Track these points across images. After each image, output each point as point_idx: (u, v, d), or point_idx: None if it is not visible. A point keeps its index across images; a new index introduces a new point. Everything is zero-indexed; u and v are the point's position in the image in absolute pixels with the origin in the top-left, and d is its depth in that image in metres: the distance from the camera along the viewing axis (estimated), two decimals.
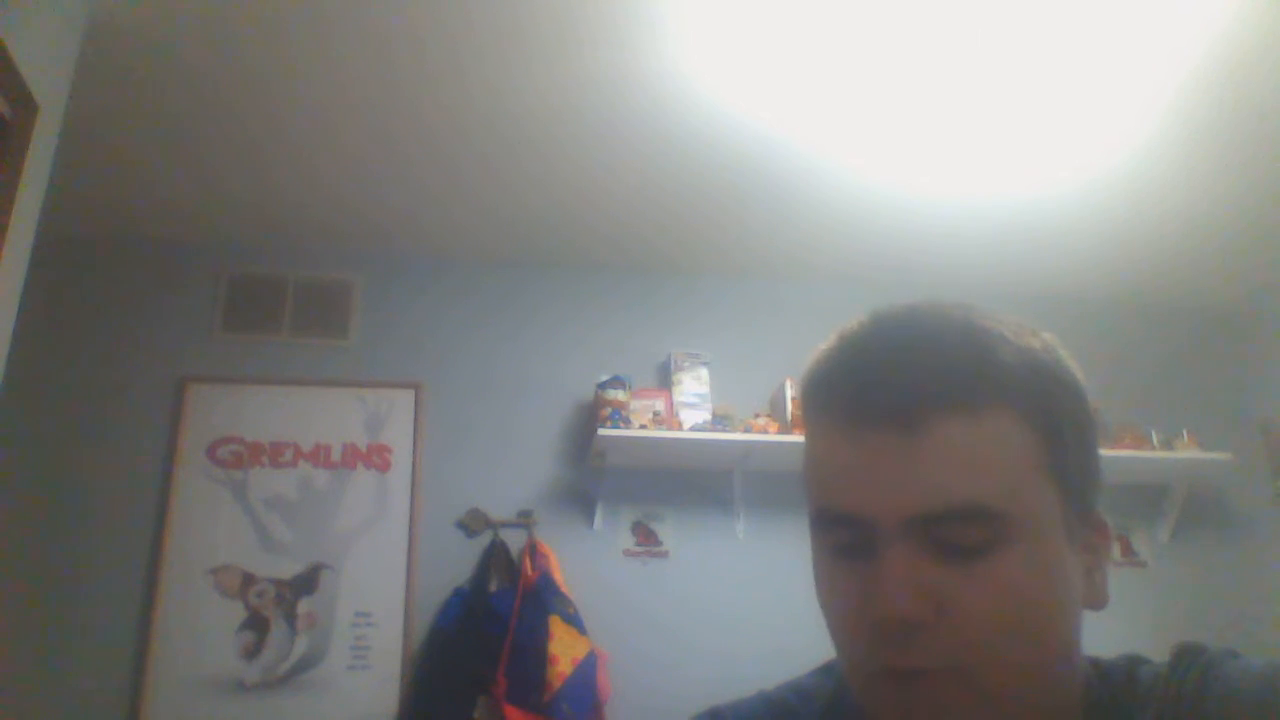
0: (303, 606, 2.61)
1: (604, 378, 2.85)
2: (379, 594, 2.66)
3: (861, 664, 0.57)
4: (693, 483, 2.96)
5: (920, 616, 0.52)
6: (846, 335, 0.60)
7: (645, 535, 2.90)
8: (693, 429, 2.82)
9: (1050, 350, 0.59)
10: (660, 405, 2.89)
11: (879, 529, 0.54)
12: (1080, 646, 0.59)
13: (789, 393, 2.92)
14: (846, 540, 0.56)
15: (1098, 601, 0.59)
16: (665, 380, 3.05)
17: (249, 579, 2.60)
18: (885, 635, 0.53)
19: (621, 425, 2.71)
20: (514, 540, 2.76)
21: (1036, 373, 0.56)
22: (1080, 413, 0.59)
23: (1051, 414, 0.56)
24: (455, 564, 2.72)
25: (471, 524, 2.78)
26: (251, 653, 2.53)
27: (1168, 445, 3.05)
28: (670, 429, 2.79)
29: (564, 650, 2.48)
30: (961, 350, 0.55)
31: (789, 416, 2.88)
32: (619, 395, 2.79)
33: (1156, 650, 0.64)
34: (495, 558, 2.72)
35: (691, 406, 2.95)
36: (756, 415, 2.88)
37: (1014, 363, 0.55)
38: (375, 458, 2.81)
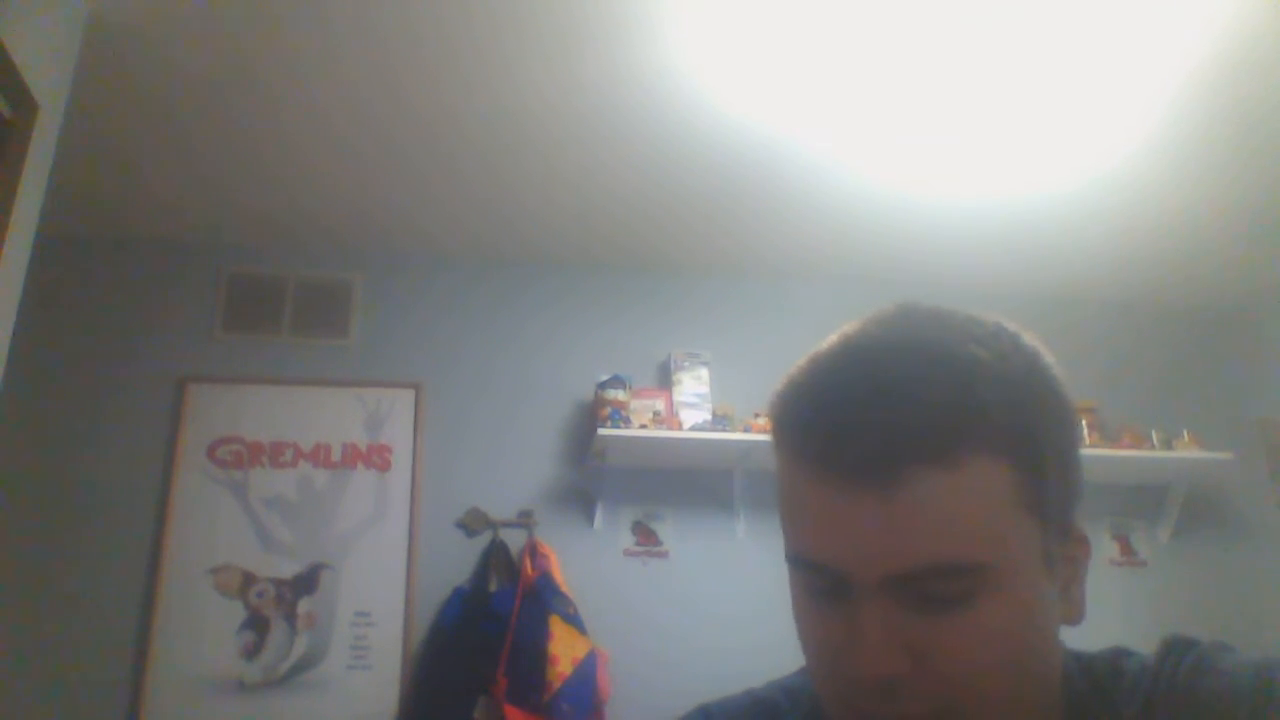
0: (303, 606, 2.61)
1: (604, 377, 2.85)
2: (379, 594, 2.66)
3: (839, 708, 0.56)
4: (693, 482, 2.96)
5: (899, 671, 0.51)
6: (819, 368, 0.57)
7: (645, 535, 2.90)
8: (693, 429, 2.82)
9: (1032, 367, 0.56)
10: (660, 405, 2.90)
11: (854, 584, 0.53)
12: (1059, 647, 0.59)
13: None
14: (822, 584, 0.55)
15: (1074, 617, 0.58)
16: (665, 380, 3.05)
17: (249, 579, 2.60)
18: (864, 690, 0.52)
19: (621, 425, 2.71)
20: (514, 540, 2.76)
21: (1019, 405, 0.53)
22: (1063, 435, 0.56)
23: (1034, 447, 0.53)
24: (455, 564, 2.72)
25: (471, 524, 2.78)
26: (251, 652, 2.53)
27: (1168, 445, 3.05)
28: (670, 429, 2.79)
29: (564, 650, 2.48)
30: (940, 394, 0.51)
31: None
32: (619, 395, 2.79)
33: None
34: (495, 557, 2.72)
35: (691, 406, 2.95)
36: (756, 415, 2.87)
37: (996, 400, 0.52)
38: (375, 458, 2.81)
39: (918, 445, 0.51)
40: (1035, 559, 0.54)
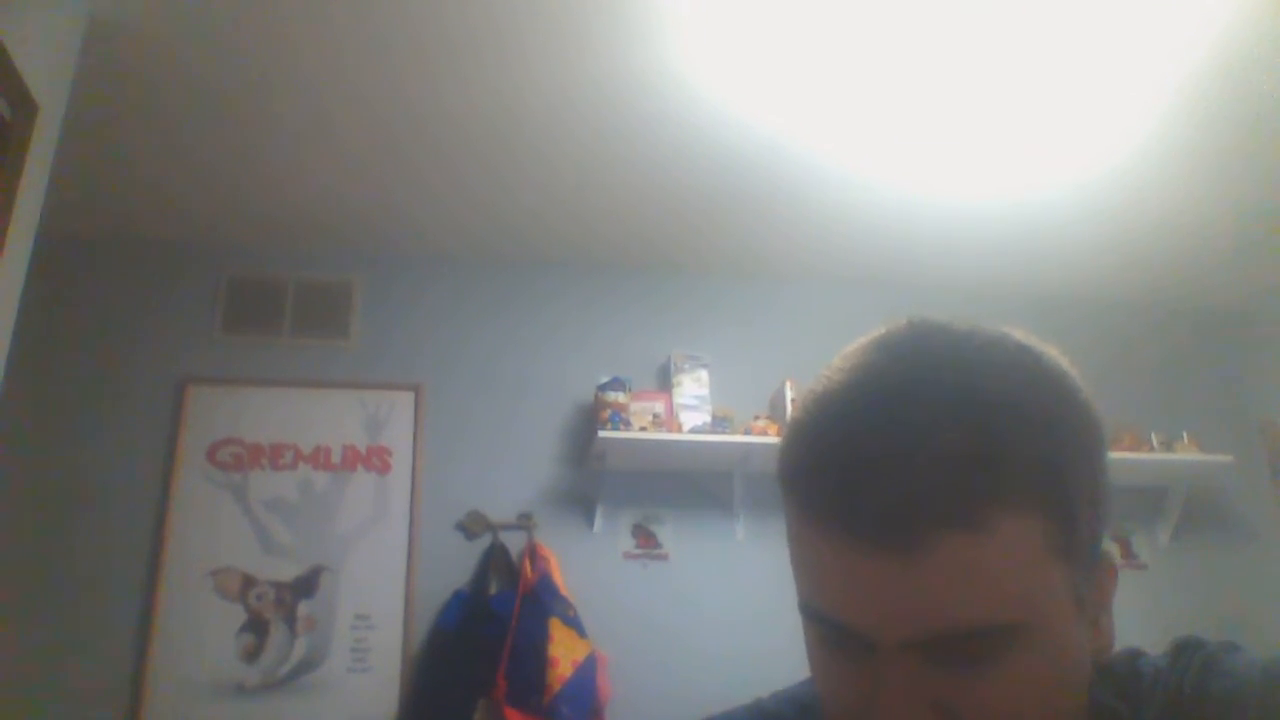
0: (303, 609, 2.60)
1: (604, 379, 2.85)
2: (379, 596, 2.65)
3: None
4: (692, 485, 2.96)
5: None
6: (828, 414, 0.52)
7: (645, 537, 2.89)
8: (692, 431, 2.82)
9: (1059, 395, 0.52)
10: (660, 407, 2.89)
11: (877, 646, 0.50)
12: (1089, 679, 0.57)
13: (789, 394, 2.92)
14: (839, 639, 0.52)
15: (1104, 648, 0.56)
16: (665, 382, 3.04)
17: (249, 581, 2.60)
18: None
19: (621, 427, 2.71)
20: (514, 542, 2.76)
21: (1048, 448, 0.49)
22: (1094, 466, 0.52)
23: (1064, 491, 0.49)
24: (455, 566, 2.71)
25: (471, 526, 2.78)
26: (251, 655, 2.53)
27: (1168, 447, 3.04)
28: (670, 431, 2.79)
29: (564, 652, 2.48)
30: (963, 447, 0.47)
31: (789, 419, 2.87)
32: (619, 397, 2.79)
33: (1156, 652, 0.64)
34: (495, 560, 2.72)
35: (691, 408, 2.95)
36: (756, 417, 2.87)
37: (1023, 448, 0.48)
38: (375, 460, 2.80)
39: (942, 508, 0.47)
40: (1066, 604, 0.51)
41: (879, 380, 0.51)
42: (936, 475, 0.47)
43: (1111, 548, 3.07)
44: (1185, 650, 0.59)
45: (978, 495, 0.47)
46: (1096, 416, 0.54)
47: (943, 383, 0.50)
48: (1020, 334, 0.55)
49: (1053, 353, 0.55)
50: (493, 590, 2.66)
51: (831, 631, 0.53)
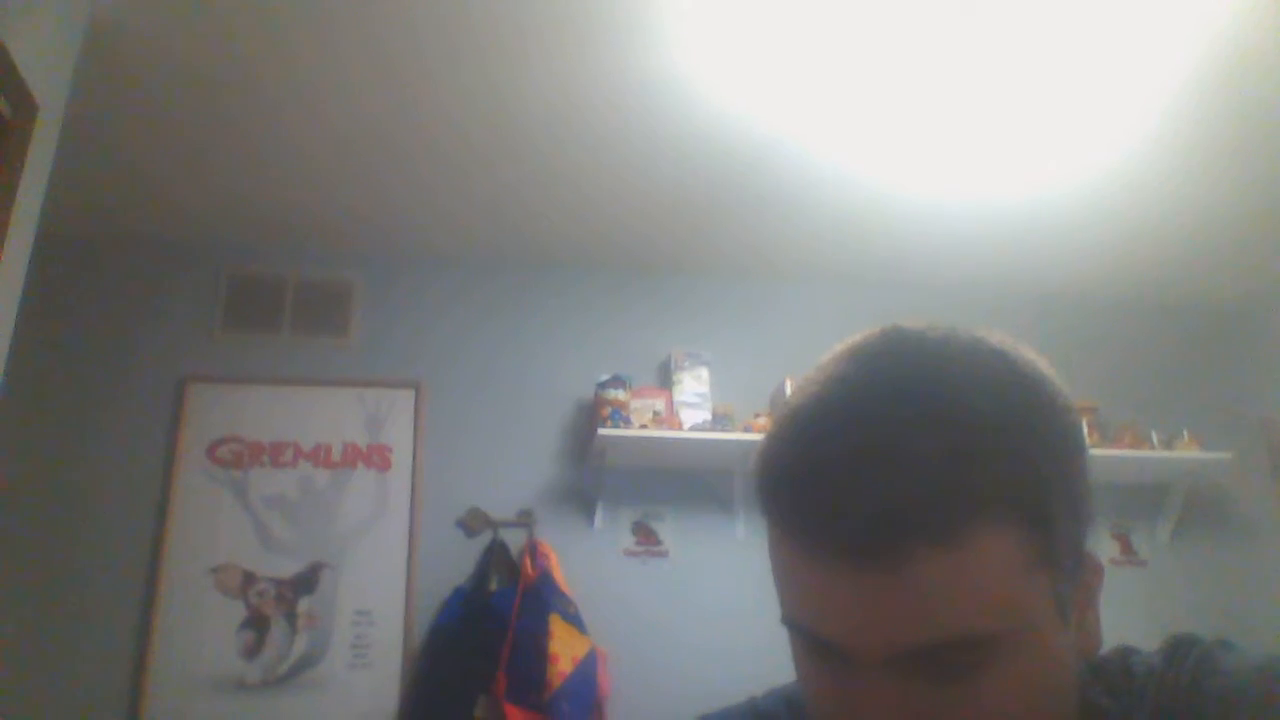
0: (303, 605, 2.61)
1: (604, 377, 2.85)
2: (379, 593, 2.66)
3: None
4: (693, 482, 2.96)
5: None
6: (802, 431, 0.52)
7: (645, 535, 2.90)
8: (693, 429, 2.82)
9: (1035, 400, 0.52)
10: (660, 405, 2.89)
11: (858, 661, 0.50)
12: (1076, 681, 0.57)
13: (789, 392, 2.92)
14: (821, 652, 0.53)
15: (1091, 649, 0.56)
16: (665, 380, 3.05)
17: (249, 578, 2.60)
18: None
19: (622, 425, 2.71)
20: (514, 540, 2.76)
21: (1024, 457, 0.49)
22: (1071, 470, 0.52)
23: (1042, 499, 0.49)
24: (455, 563, 2.72)
25: (472, 523, 2.78)
26: (252, 652, 2.53)
27: (1168, 445, 3.04)
28: (670, 429, 2.79)
29: (564, 649, 2.48)
30: (939, 465, 0.47)
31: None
32: (619, 395, 2.79)
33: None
34: (495, 557, 2.72)
35: (692, 406, 2.95)
36: (757, 415, 2.88)
37: (999, 460, 0.48)
38: (375, 457, 2.81)
39: (918, 525, 0.47)
40: (1048, 611, 0.51)
41: (851, 393, 0.51)
42: (910, 489, 0.47)
43: (1105, 545, 3.10)
44: (1179, 648, 0.59)
45: (953, 508, 0.47)
46: (1075, 419, 0.54)
47: (916, 394, 0.50)
48: (998, 337, 0.55)
49: (1029, 355, 0.55)
50: (493, 587, 2.67)
51: (813, 644, 0.53)
